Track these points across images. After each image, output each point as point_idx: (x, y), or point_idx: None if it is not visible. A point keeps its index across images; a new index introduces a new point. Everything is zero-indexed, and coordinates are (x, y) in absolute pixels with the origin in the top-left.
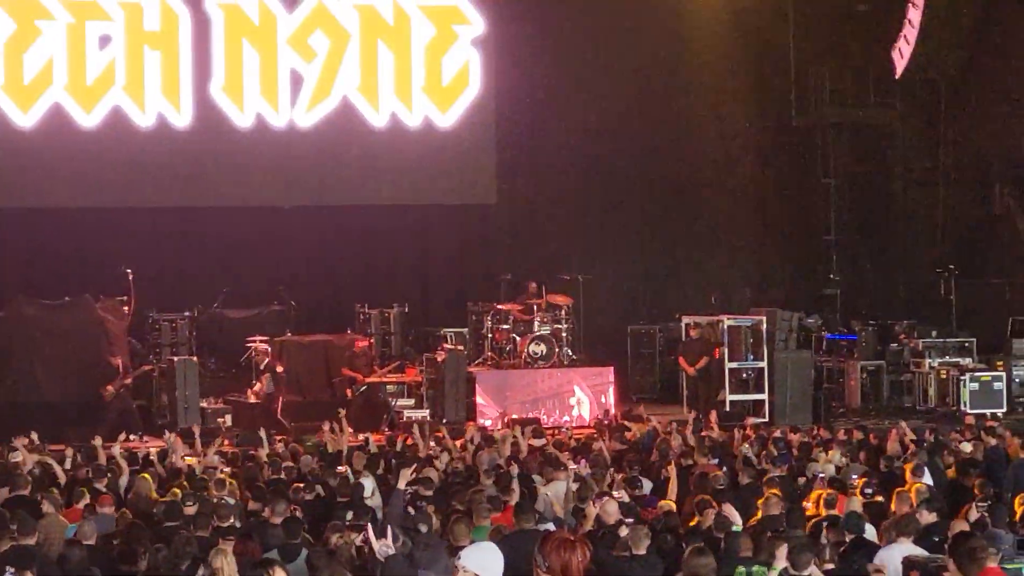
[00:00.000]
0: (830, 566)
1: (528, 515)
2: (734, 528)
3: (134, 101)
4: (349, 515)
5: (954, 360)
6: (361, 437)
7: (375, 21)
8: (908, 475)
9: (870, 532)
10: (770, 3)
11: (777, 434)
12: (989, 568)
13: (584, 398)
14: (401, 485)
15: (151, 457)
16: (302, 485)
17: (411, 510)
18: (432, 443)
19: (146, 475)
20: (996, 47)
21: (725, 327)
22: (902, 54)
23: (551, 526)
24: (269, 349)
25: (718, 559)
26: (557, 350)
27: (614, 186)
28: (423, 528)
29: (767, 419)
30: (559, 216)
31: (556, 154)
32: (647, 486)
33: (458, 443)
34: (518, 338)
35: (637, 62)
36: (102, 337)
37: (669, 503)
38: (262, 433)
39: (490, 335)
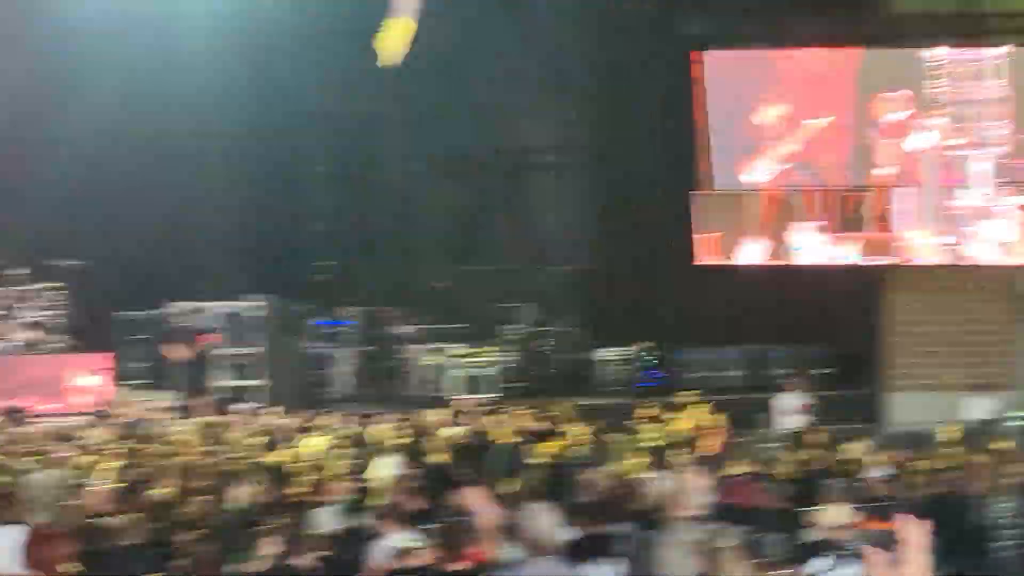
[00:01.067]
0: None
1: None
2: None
3: None
4: None
5: (443, 346)
6: None
7: None
8: (390, 461)
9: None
10: None
11: (269, 419)
12: (472, 551)
13: (77, 384)
14: None
15: None
16: None
17: None
18: None
19: None
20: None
21: (217, 313)
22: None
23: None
24: None
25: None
26: (48, 336)
27: (110, 170)
28: None
29: (260, 405)
30: (49, 201)
31: (39, 138)
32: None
33: None
34: (6, 324)
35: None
36: None
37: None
38: None
39: None
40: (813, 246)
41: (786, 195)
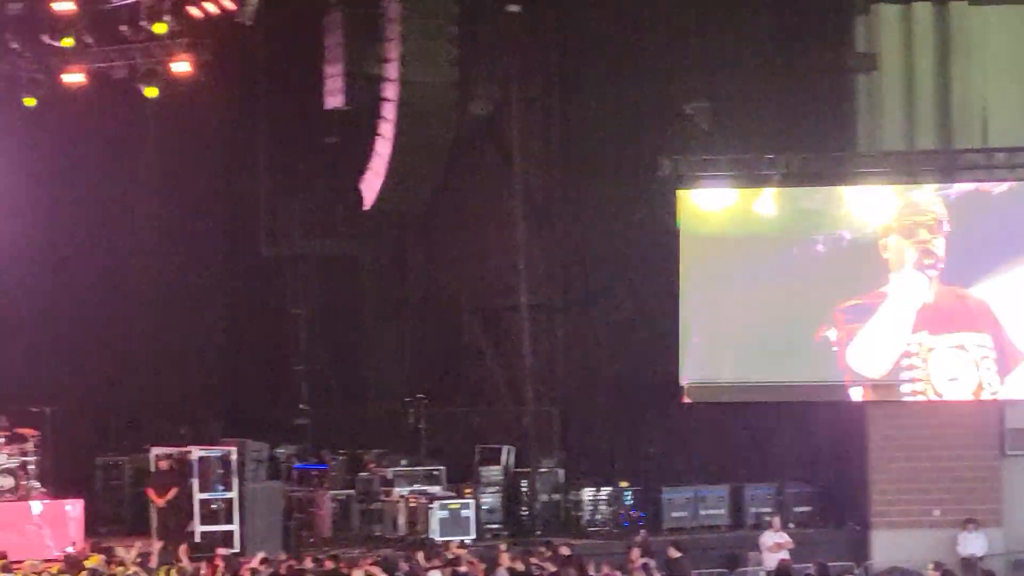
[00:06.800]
0: None
1: None
2: None
3: None
4: None
5: (423, 488)
6: None
7: None
8: None
9: None
10: (240, 133)
11: (256, 564)
12: None
13: (51, 531)
14: None
15: None
16: None
17: None
18: None
19: None
20: (461, 182)
21: (195, 458)
22: (370, 186)
23: None
24: None
25: None
26: (23, 483)
27: (87, 316)
28: None
29: (238, 549)
30: (21, 346)
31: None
32: None
33: None
34: None
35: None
36: None
37: None
38: None
39: None
40: None
41: None
